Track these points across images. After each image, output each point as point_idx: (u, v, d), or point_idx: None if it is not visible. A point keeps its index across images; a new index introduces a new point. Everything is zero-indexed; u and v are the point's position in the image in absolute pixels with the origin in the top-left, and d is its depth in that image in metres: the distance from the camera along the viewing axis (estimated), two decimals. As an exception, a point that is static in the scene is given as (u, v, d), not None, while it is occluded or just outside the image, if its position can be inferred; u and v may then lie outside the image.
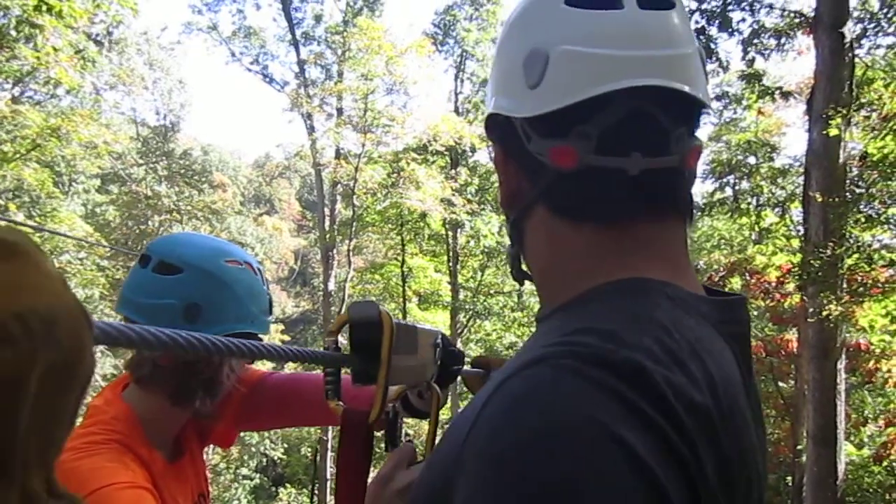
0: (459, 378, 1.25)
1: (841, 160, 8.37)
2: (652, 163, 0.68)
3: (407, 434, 1.08)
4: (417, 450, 0.99)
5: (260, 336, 1.42)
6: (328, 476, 17.46)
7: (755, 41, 10.09)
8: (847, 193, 8.26)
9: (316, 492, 19.22)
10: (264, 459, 25.01)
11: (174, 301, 1.31)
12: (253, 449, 23.82)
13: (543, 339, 0.65)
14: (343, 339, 1.02)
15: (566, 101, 0.68)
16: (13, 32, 9.79)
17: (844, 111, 7.90)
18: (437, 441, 0.89)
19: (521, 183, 0.76)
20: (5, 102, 12.79)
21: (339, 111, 18.76)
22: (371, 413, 0.98)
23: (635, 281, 0.69)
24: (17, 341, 0.34)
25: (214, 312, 1.34)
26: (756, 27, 10.05)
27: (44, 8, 8.79)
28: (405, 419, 1.19)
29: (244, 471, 23.89)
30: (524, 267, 0.84)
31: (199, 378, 1.36)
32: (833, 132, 7.84)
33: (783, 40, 10.15)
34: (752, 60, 10.20)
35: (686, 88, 0.69)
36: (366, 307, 0.97)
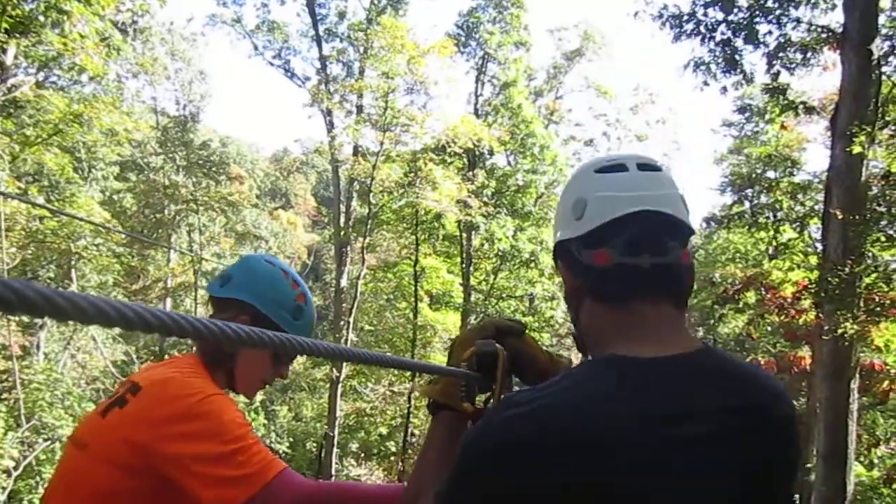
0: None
1: (863, 178, 8.28)
2: (657, 260, 1.06)
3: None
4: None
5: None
6: (333, 472, 17.50)
7: (781, 55, 10.00)
8: (868, 212, 8.16)
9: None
10: (269, 452, 25.04)
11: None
12: (259, 442, 23.86)
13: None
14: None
15: (601, 222, 1.08)
16: (41, 18, 9.87)
17: (869, 129, 7.81)
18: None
19: (576, 283, 1.15)
20: (30, 87, 12.91)
21: (359, 109, 18.79)
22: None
23: (606, 356, 1.06)
24: None
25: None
26: (782, 41, 9.96)
27: (73, -5, 8.87)
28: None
29: (249, 463, 23.92)
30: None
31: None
32: (856, 149, 7.76)
33: (809, 55, 10.05)
34: (777, 74, 10.10)
35: (671, 212, 1.08)
36: (488, 344, 1.37)
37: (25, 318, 19.55)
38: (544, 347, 1.50)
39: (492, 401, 1.37)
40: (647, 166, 1.12)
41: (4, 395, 13.31)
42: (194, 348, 1.87)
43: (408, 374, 21.10)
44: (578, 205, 1.11)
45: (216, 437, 1.50)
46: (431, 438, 1.33)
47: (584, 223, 1.09)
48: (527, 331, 1.49)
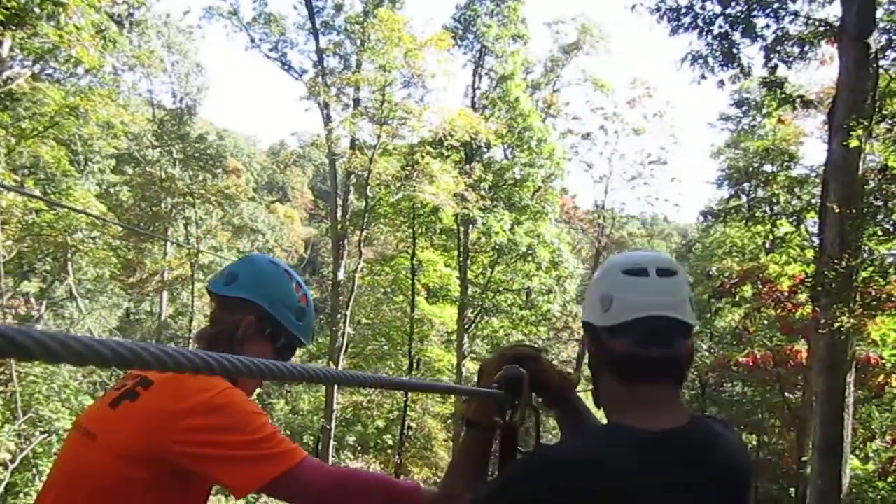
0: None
1: (860, 172, 8.28)
2: (663, 352, 1.34)
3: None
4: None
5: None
6: (329, 465, 17.52)
7: (778, 48, 9.99)
8: (864, 206, 8.16)
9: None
10: (266, 445, 25.01)
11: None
12: (256, 434, 23.83)
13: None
14: None
15: (621, 320, 1.35)
16: (37, 10, 9.80)
17: (866, 123, 7.81)
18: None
19: (599, 358, 1.43)
20: (25, 79, 12.85)
21: (356, 101, 18.74)
22: (517, 422, 1.66)
23: (618, 425, 1.35)
24: None
25: None
26: (780, 34, 9.95)
27: (68, -14, 8.81)
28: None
29: (246, 456, 23.91)
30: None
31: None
32: (854, 143, 7.76)
33: (807, 49, 10.05)
34: (775, 67, 10.09)
35: (680, 317, 1.34)
36: (515, 369, 1.65)
37: (22, 311, 19.52)
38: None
39: (517, 414, 1.67)
40: (666, 272, 1.39)
41: (1, 388, 13.30)
42: (195, 346, 1.88)
43: (405, 368, 21.13)
44: (605, 300, 1.38)
45: (240, 427, 1.54)
46: (463, 450, 1.66)
47: (609, 317, 1.37)
48: (541, 353, 1.79)
